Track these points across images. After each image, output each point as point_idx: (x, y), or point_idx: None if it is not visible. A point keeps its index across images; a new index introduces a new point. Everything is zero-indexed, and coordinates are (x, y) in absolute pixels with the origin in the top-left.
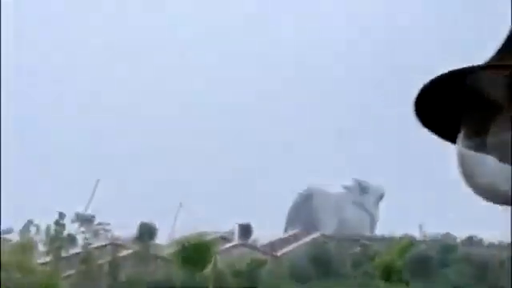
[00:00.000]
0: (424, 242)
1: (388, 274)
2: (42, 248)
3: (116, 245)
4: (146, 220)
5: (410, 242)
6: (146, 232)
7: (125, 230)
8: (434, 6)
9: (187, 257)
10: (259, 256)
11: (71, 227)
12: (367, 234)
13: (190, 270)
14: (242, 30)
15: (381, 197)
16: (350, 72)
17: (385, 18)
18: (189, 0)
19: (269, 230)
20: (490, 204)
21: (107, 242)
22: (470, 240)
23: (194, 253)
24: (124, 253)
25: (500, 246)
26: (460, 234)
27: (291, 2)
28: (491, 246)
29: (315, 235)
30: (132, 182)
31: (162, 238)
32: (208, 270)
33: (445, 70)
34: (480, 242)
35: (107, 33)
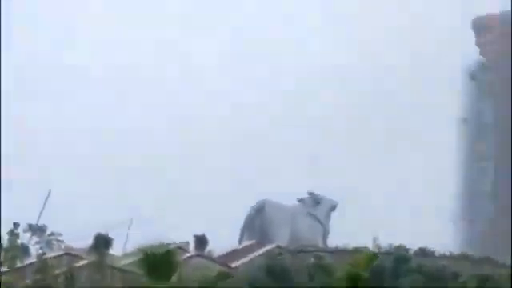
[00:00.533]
0: (378, 253)
1: (355, 285)
2: None
3: (71, 255)
4: (99, 231)
5: (374, 254)
6: (102, 242)
7: (77, 241)
8: None
9: (151, 266)
10: (214, 267)
11: (23, 237)
12: (320, 245)
13: (155, 280)
14: None
15: (333, 208)
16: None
17: None
18: None
19: (224, 241)
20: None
21: (61, 252)
22: (423, 251)
23: (158, 262)
24: (80, 263)
25: (451, 257)
26: (411, 245)
27: None
28: (443, 257)
29: (270, 247)
30: (84, 194)
31: (115, 249)
32: (174, 279)
33: None
34: (432, 253)
35: None
